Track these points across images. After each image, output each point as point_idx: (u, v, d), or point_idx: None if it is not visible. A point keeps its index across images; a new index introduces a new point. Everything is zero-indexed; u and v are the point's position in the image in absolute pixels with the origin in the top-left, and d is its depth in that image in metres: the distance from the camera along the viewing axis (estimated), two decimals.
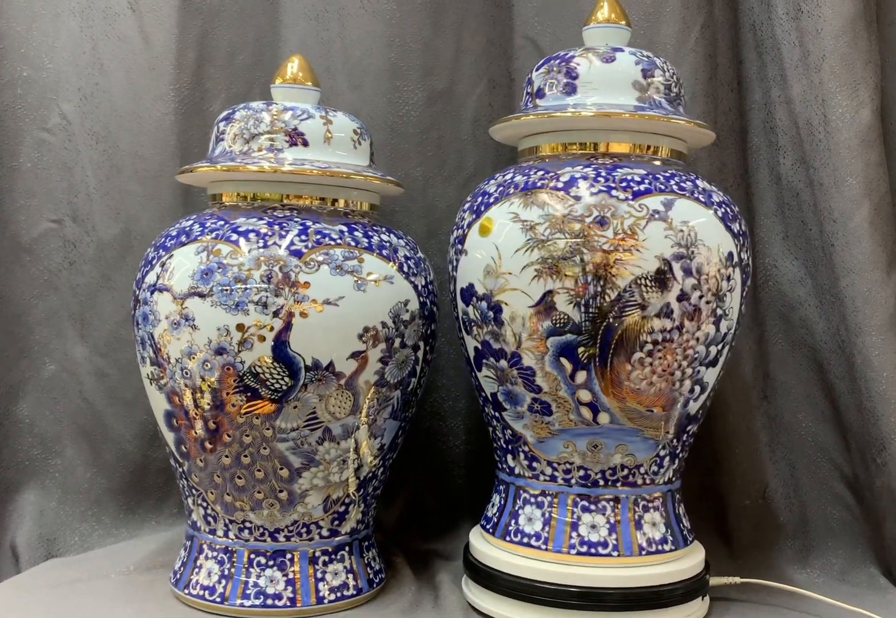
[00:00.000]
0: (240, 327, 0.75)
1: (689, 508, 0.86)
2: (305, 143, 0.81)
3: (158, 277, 0.79)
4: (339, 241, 0.79)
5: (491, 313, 0.79)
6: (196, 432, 0.80)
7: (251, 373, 0.76)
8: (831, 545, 0.98)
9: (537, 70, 0.84)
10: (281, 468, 0.79)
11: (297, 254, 0.77)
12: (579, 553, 0.79)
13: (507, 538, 0.82)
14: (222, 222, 0.79)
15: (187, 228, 0.81)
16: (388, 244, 0.82)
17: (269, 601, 0.81)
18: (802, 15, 0.95)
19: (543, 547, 0.80)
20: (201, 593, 0.82)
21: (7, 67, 1.03)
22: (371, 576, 0.86)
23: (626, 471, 0.80)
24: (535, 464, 0.82)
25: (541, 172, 0.79)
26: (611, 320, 0.75)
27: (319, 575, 0.82)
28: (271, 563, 0.82)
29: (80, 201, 1.05)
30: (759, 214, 1.02)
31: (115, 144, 1.04)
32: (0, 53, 1.03)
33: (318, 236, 0.78)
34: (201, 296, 0.76)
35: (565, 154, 0.81)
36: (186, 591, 0.83)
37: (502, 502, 0.85)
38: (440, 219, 1.04)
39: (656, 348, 0.75)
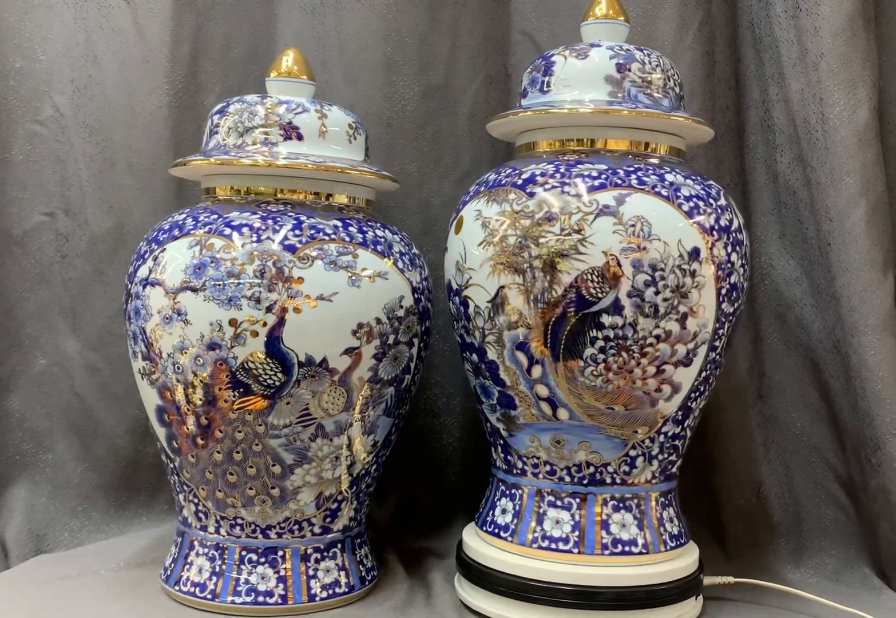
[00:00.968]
0: (232, 322, 0.75)
1: (683, 507, 0.86)
2: (300, 137, 0.81)
3: (151, 272, 0.78)
4: (333, 236, 0.78)
5: (462, 309, 0.81)
6: (188, 428, 0.79)
7: (244, 368, 0.76)
8: (825, 545, 0.98)
9: (526, 69, 0.84)
10: (273, 465, 0.79)
11: (291, 249, 0.76)
12: (540, 547, 0.79)
13: (485, 528, 0.84)
14: (215, 216, 0.79)
15: (180, 222, 0.80)
16: (382, 240, 0.81)
17: (261, 599, 0.80)
18: (801, 13, 0.94)
19: (510, 539, 0.81)
20: (192, 589, 0.81)
21: None
22: (363, 573, 0.86)
23: (591, 469, 0.79)
24: (509, 457, 0.84)
25: (509, 170, 0.80)
26: (559, 316, 0.75)
27: (311, 572, 0.82)
28: (263, 560, 0.81)
29: (72, 194, 1.04)
30: (756, 212, 1.02)
31: (108, 137, 1.03)
32: None
33: (313, 231, 0.78)
34: (194, 290, 0.76)
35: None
36: (177, 587, 0.82)
37: (488, 495, 0.87)
38: (435, 215, 1.04)
39: (609, 345, 0.75)
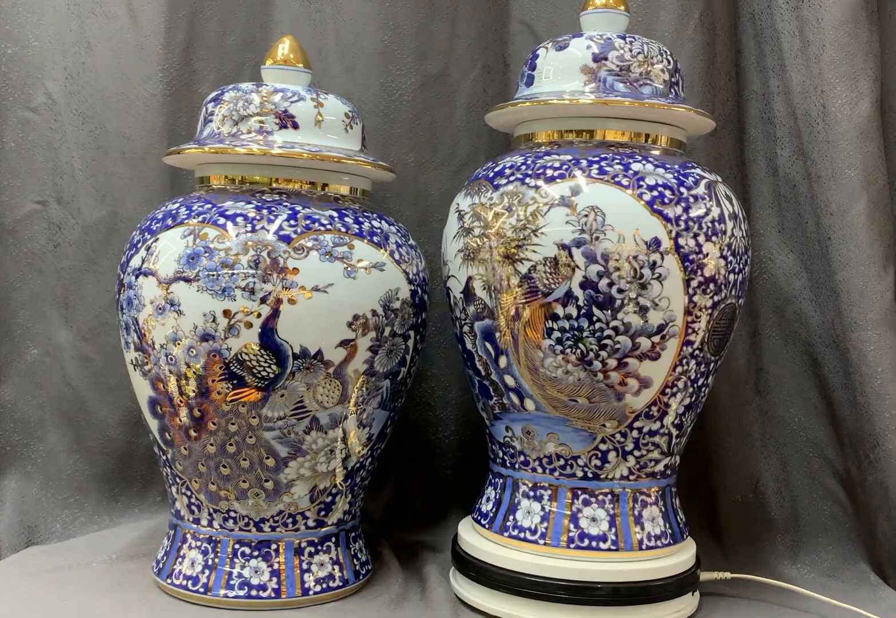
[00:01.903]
0: (226, 313, 0.74)
1: (680, 502, 0.86)
2: (296, 126, 0.80)
3: (143, 261, 0.77)
4: (328, 226, 0.77)
5: (448, 300, 0.84)
6: (180, 420, 0.78)
7: (237, 360, 0.75)
8: (822, 541, 0.98)
9: (524, 63, 0.84)
10: (267, 457, 0.78)
11: (286, 239, 0.75)
12: (511, 537, 0.80)
13: (473, 517, 0.85)
14: (209, 206, 0.78)
15: (174, 211, 0.79)
16: (379, 231, 0.80)
17: (254, 592, 0.79)
18: (803, 4, 0.94)
19: (487, 526, 0.82)
20: (184, 583, 0.81)
21: None
22: (357, 567, 0.85)
23: (562, 461, 0.79)
24: (493, 447, 0.85)
25: (490, 163, 0.82)
26: (517, 306, 0.75)
27: (305, 566, 0.81)
28: (256, 553, 0.80)
29: (65, 183, 1.03)
30: (756, 205, 1.01)
31: (101, 125, 1.02)
32: None
33: (308, 221, 0.77)
34: (187, 281, 0.75)
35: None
36: (169, 580, 0.82)
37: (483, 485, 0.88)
38: (432, 206, 1.03)
39: (565, 336, 0.74)
